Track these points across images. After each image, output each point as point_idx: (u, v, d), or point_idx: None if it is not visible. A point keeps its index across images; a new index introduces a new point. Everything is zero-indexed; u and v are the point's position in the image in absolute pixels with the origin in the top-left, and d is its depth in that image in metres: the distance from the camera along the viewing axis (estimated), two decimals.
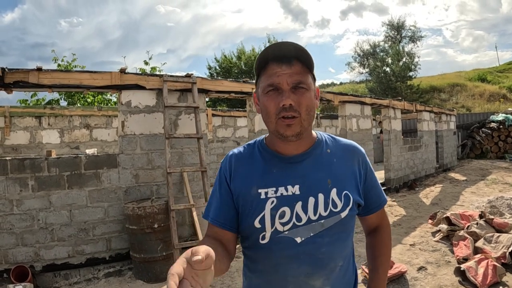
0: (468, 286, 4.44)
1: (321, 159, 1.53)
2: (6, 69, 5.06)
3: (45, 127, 11.25)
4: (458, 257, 5.33)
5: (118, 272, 5.50)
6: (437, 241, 6.26)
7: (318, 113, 19.70)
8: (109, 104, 15.12)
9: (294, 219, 1.44)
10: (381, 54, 36.72)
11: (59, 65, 14.67)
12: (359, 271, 5.10)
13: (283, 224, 1.44)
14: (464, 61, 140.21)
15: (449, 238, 6.20)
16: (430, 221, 7.21)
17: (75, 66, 15.17)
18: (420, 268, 5.20)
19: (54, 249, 5.26)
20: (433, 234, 6.69)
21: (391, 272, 4.80)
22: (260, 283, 1.54)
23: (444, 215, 6.71)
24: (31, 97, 13.68)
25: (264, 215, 1.45)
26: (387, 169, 11.77)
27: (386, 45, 39.20)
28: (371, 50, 39.52)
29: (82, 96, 14.61)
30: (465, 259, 5.10)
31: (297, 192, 1.45)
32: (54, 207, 5.25)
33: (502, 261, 4.94)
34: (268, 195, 1.46)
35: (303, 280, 1.46)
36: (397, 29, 41.24)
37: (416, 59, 33.61)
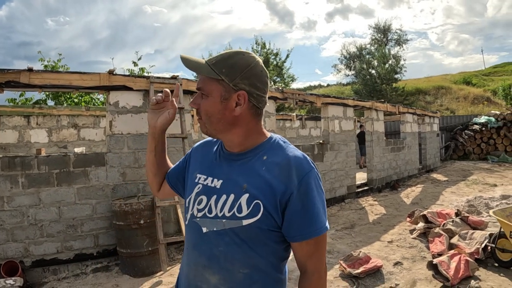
0: (440, 280, 4.61)
1: (250, 164, 1.50)
2: None
3: (34, 127, 11.31)
4: (433, 253, 5.54)
5: (105, 268, 5.63)
6: (414, 238, 6.49)
7: (303, 114, 19.92)
8: (96, 104, 15.16)
9: (206, 209, 1.50)
10: (367, 56, 36.95)
11: (45, 66, 14.66)
12: (336, 266, 5.32)
13: (199, 211, 1.52)
14: (451, 64, 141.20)
15: (426, 235, 6.43)
16: (408, 219, 7.44)
17: (61, 67, 15.17)
18: (396, 263, 5.41)
19: (43, 245, 5.38)
20: (411, 231, 6.92)
21: (367, 266, 5.00)
22: (182, 261, 1.66)
23: (421, 213, 6.93)
24: (19, 96, 13.72)
25: (191, 197, 1.57)
26: (369, 170, 12.01)
27: (372, 47, 39.50)
28: (357, 53, 39.77)
29: (69, 96, 14.66)
30: (440, 255, 5.28)
31: (218, 186, 1.51)
32: (43, 203, 5.38)
33: (476, 256, 5.15)
34: (199, 181, 1.58)
35: (201, 272, 1.50)
36: (383, 32, 41.65)
37: (401, 62, 33.95)
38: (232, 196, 1.45)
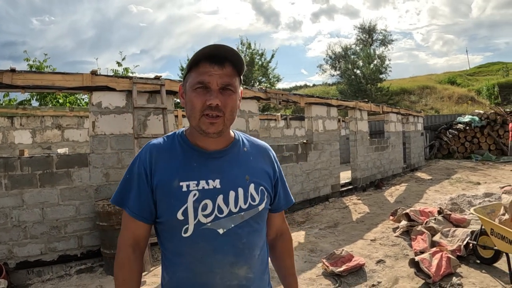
0: (422, 277, 4.65)
1: (239, 157, 1.61)
2: None
3: (17, 128, 11.22)
4: (415, 251, 5.60)
5: (89, 269, 5.62)
6: (397, 236, 6.55)
7: (288, 114, 19.99)
8: (81, 105, 15.07)
9: (216, 211, 1.49)
10: (353, 56, 37.16)
11: (30, 66, 14.56)
12: (319, 265, 5.36)
13: (206, 216, 1.48)
14: (436, 64, 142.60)
15: (408, 233, 6.49)
16: (391, 217, 7.51)
17: (47, 67, 15.05)
18: (379, 261, 5.46)
19: (27, 247, 5.36)
20: (394, 230, 6.98)
21: (350, 264, 5.05)
22: (187, 276, 1.52)
23: (404, 212, 7.00)
24: (3, 97, 13.61)
25: (187, 207, 1.47)
26: (353, 169, 12.09)
27: (358, 48, 39.72)
28: (343, 53, 39.98)
29: (54, 96, 14.56)
30: (422, 252, 5.34)
31: (218, 186, 1.51)
32: (27, 205, 5.35)
33: (458, 253, 5.21)
34: (190, 188, 1.49)
35: (229, 270, 1.51)
36: (368, 32, 41.90)
37: (386, 62, 34.18)
38: (240, 190, 1.54)
